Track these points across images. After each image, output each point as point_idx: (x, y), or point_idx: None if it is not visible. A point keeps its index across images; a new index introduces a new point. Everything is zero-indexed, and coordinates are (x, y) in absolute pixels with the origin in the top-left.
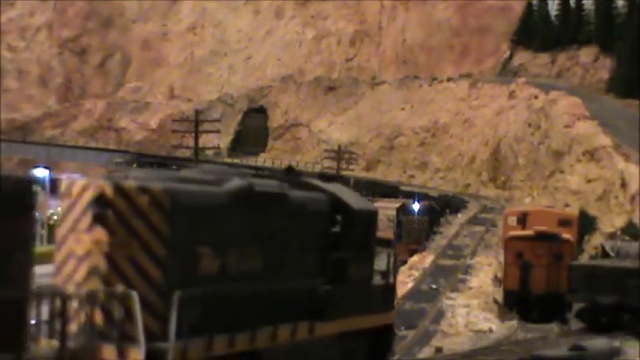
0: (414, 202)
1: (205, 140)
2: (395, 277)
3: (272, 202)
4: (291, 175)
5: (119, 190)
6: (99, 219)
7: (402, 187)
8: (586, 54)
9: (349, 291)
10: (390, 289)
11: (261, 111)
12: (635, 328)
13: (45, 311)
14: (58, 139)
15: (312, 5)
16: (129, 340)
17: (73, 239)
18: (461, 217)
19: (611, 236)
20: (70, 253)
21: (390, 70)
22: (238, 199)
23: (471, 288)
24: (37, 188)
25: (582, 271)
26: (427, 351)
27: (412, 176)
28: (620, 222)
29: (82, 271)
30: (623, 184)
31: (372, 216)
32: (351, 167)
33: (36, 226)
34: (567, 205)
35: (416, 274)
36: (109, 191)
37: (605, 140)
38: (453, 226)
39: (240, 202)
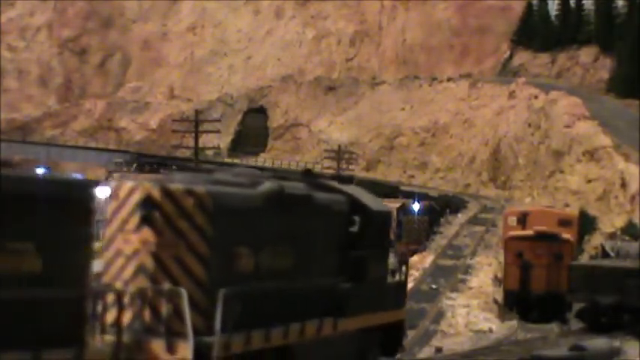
0: (414, 202)
1: (205, 140)
2: (406, 275)
3: (300, 204)
4: (309, 177)
5: (166, 192)
6: (146, 220)
7: (402, 187)
8: (586, 54)
9: (367, 289)
10: (402, 286)
11: (261, 111)
12: (635, 328)
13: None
14: (58, 139)
15: (312, 5)
16: (176, 336)
17: (121, 239)
18: (461, 217)
19: (611, 236)
20: (118, 252)
21: (390, 70)
22: (271, 200)
23: (471, 288)
24: (96, 191)
25: (582, 271)
26: (427, 351)
27: (412, 176)
28: (620, 222)
29: (130, 269)
30: (623, 184)
31: (387, 216)
32: (351, 167)
33: (94, 228)
34: (567, 205)
35: (416, 274)
36: (156, 193)
37: (605, 140)
38: (453, 226)
39: (272, 203)
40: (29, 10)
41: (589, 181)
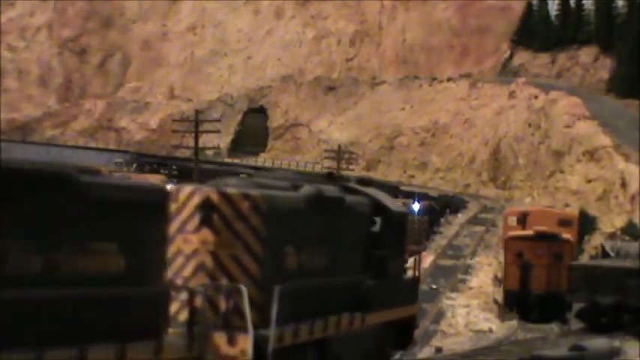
0: (414, 202)
1: (205, 140)
2: (419, 272)
3: (334, 206)
4: (331, 180)
5: (224, 195)
6: (206, 221)
7: (402, 187)
8: (586, 54)
9: (388, 285)
10: (415, 282)
11: (261, 111)
12: (635, 328)
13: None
14: (58, 139)
15: (312, 5)
16: (236, 329)
17: (181, 239)
18: (461, 217)
19: (611, 236)
20: (178, 252)
21: (390, 70)
22: (311, 203)
23: (471, 288)
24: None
25: (582, 271)
26: (427, 351)
27: (412, 176)
28: (620, 222)
29: (190, 267)
30: (623, 184)
31: (405, 217)
32: (351, 167)
33: (168, 229)
34: (567, 205)
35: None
36: (214, 197)
37: (605, 140)
38: (453, 226)
39: (312, 205)
40: (29, 10)
41: (589, 181)
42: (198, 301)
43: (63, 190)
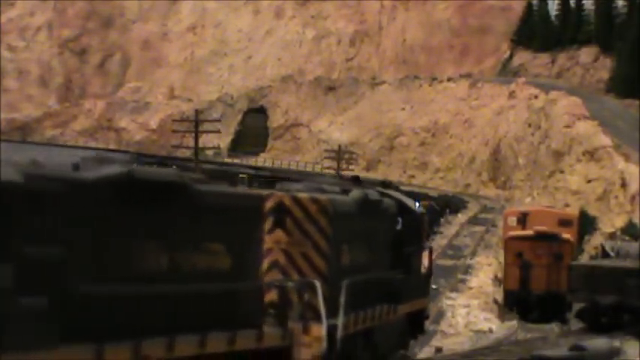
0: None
1: (205, 140)
2: (431, 267)
3: (373, 208)
4: (357, 183)
5: (295, 200)
6: (279, 223)
7: (402, 187)
8: (586, 54)
9: (412, 280)
10: (428, 277)
11: (261, 111)
12: (635, 328)
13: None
14: (58, 139)
15: (312, 5)
16: (309, 320)
17: None
18: (461, 217)
19: (611, 236)
20: None
21: (390, 70)
22: (359, 205)
23: (471, 288)
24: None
25: (582, 271)
26: (427, 351)
27: (412, 176)
28: (620, 222)
29: (265, 264)
30: (623, 184)
31: (423, 217)
32: (351, 167)
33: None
34: (567, 205)
35: None
36: (287, 201)
37: (605, 140)
38: (453, 226)
39: (360, 207)
40: (29, 10)
41: (589, 181)
42: (293, 295)
43: (183, 198)
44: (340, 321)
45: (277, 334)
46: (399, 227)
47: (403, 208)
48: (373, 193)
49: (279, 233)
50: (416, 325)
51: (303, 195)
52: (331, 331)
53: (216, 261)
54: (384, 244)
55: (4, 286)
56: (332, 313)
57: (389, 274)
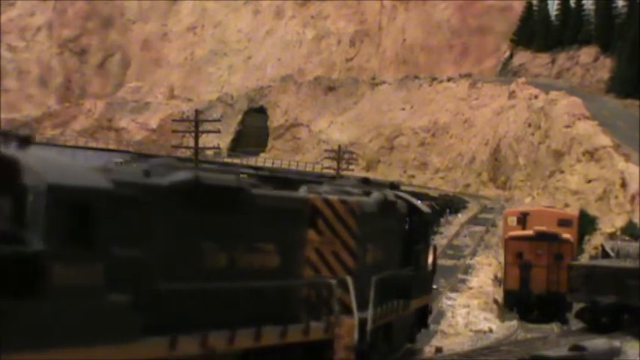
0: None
1: (205, 140)
2: (435, 265)
3: (390, 209)
4: (367, 184)
5: (326, 202)
6: (311, 223)
7: (402, 187)
8: (586, 54)
9: (421, 276)
10: (432, 274)
11: (261, 111)
12: (635, 328)
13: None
14: (58, 139)
15: (312, 5)
16: (342, 313)
17: None
18: (461, 217)
19: (611, 236)
20: None
21: (390, 70)
22: (379, 206)
23: (471, 288)
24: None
25: (582, 271)
26: (427, 351)
27: (412, 176)
28: (620, 222)
29: None
30: (623, 184)
31: (430, 216)
32: (351, 167)
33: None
34: (567, 205)
35: None
36: (318, 202)
37: (605, 140)
38: (453, 226)
39: (380, 208)
40: (29, 10)
41: (589, 181)
42: (329, 291)
43: (241, 201)
44: (370, 314)
45: (321, 328)
46: (408, 227)
47: (412, 209)
48: (390, 195)
49: (311, 233)
50: (421, 320)
51: (332, 197)
52: (362, 324)
53: (267, 259)
54: (397, 242)
55: (96, 284)
56: (360, 307)
57: (402, 271)
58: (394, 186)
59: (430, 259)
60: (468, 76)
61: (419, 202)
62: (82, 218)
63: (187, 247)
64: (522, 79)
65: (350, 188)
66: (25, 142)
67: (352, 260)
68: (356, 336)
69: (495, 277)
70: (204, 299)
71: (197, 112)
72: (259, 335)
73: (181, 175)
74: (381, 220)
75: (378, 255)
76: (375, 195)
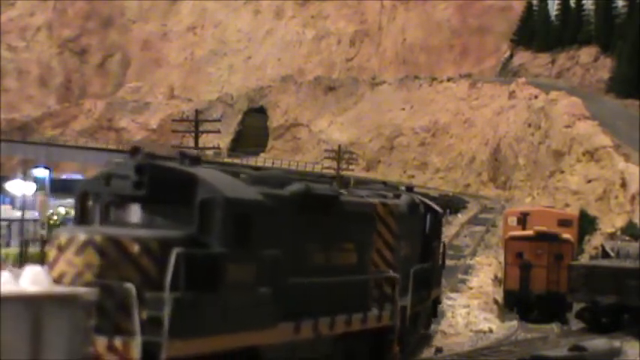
0: None
1: (205, 140)
2: (444, 260)
3: (417, 209)
4: (387, 186)
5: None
6: None
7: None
8: (586, 54)
9: (435, 270)
10: (441, 268)
11: (261, 111)
12: (635, 328)
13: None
14: (58, 139)
15: (312, 5)
16: (385, 302)
17: None
18: (461, 217)
19: (611, 236)
20: None
21: (390, 70)
22: (408, 207)
23: (471, 288)
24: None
25: (582, 271)
26: (427, 351)
27: (412, 176)
28: (620, 222)
29: None
30: (623, 184)
31: (442, 215)
32: (351, 167)
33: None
34: (567, 205)
35: None
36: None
37: (605, 140)
38: (453, 226)
39: (409, 209)
40: (29, 10)
41: (589, 181)
42: (399, 284)
43: (335, 207)
44: (409, 302)
45: (388, 315)
46: (427, 225)
47: (428, 209)
48: (416, 197)
49: None
50: (433, 309)
51: (374, 200)
52: (403, 310)
53: (349, 257)
54: (419, 239)
55: (251, 280)
56: (400, 295)
57: (426, 265)
58: (410, 189)
59: (440, 255)
60: (468, 76)
61: (435, 203)
62: (244, 225)
63: (301, 247)
64: (522, 79)
65: (384, 192)
66: (196, 161)
67: (392, 256)
68: (397, 322)
69: (495, 277)
70: (313, 291)
71: (197, 112)
72: (350, 322)
73: (296, 186)
74: (410, 220)
75: (408, 251)
76: (404, 197)
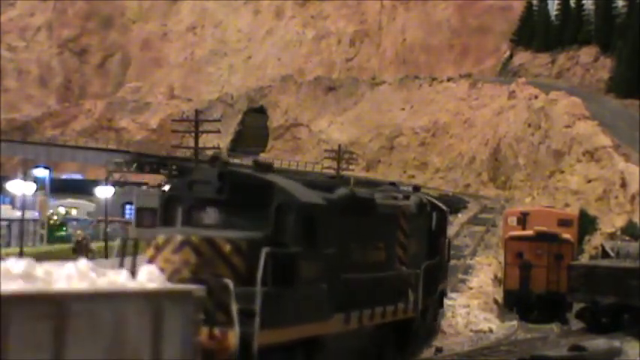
0: None
1: (205, 140)
2: (449, 256)
3: (424, 208)
4: (394, 186)
5: None
6: None
7: (402, 187)
8: (586, 54)
9: (442, 265)
10: (446, 263)
11: (261, 111)
12: (635, 328)
13: None
14: (58, 139)
15: (312, 5)
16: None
17: None
18: (461, 217)
19: (611, 236)
20: None
21: (390, 70)
22: (417, 207)
23: (471, 288)
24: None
25: (582, 271)
26: (427, 351)
27: (412, 176)
28: (620, 222)
29: None
30: (623, 184)
31: (447, 213)
32: (351, 167)
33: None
34: (567, 205)
35: None
36: None
37: (605, 140)
38: (453, 226)
39: (418, 209)
40: (29, 10)
41: (589, 181)
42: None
43: (372, 209)
44: (420, 296)
45: (411, 307)
46: (433, 222)
47: (435, 207)
48: (422, 197)
49: None
50: (439, 301)
51: (400, 202)
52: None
53: (379, 255)
54: (426, 236)
55: (314, 277)
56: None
57: (432, 261)
58: (417, 188)
59: (446, 250)
60: (468, 76)
61: (441, 201)
62: (312, 227)
63: (347, 246)
64: (522, 79)
65: (395, 194)
66: (268, 168)
67: (404, 253)
68: (413, 312)
69: (495, 277)
70: (357, 286)
71: (197, 112)
72: (384, 314)
73: (342, 191)
74: (418, 218)
75: (416, 248)
76: (413, 198)
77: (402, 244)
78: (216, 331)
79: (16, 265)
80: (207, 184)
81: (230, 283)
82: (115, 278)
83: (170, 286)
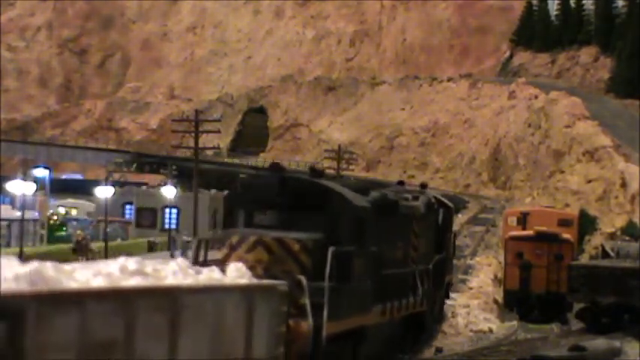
0: None
1: (205, 140)
2: (455, 249)
3: (432, 207)
4: (402, 185)
5: None
6: None
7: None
8: (586, 54)
9: (448, 258)
10: (452, 258)
11: (261, 111)
12: (635, 328)
13: None
14: (58, 139)
15: (312, 5)
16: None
17: None
18: (461, 217)
19: (611, 236)
20: None
21: (390, 70)
22: (426, 207)
23: (471, 288)
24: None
25: (582, 271)
26: (427, 351)
27: (412, 176)
28: (620, 222)
29: None
30: (623, 184)
31: (453, 210)
32: (351, 167)
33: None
34: (567, 205)
35: None
36: None
37: (605, 140)
38: (454, 225)
39: (426, 209)
40: (29, 10)
41: (589, 181)
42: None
43: (397, 210)
44: (430, 291)
45: (412, 303)
46: (440, 219)
47: (441, 204)
48: (430, 196)
49: None
50: (446, 292)
51: (415, 203)
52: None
53: (398, 252)
54: (434, 232)
55: (362, 273)
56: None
57: (438, 256)
58: (424, 186)
59: (452, 244)
60: (468, 76)
61: (446, 198)
62: (362, 227)
63: (381, 244)
64: (522, 79)
65: (406, 194)
66: (320, 174)
67: (413, 252)
68: (426, 306)
69: (495, 277)
70: (388, 280)
71: (197, 112)
72: (408, 306)
73: (376, 194)
74: (427, 217)
75: (425, 245)
76: (422, 198)
77: (414, 242)
78: (291, 322)
79: (129, 263)
80: (268, 189)
81: (303, 279)
82: (210, 274)
83: (259, 281)
